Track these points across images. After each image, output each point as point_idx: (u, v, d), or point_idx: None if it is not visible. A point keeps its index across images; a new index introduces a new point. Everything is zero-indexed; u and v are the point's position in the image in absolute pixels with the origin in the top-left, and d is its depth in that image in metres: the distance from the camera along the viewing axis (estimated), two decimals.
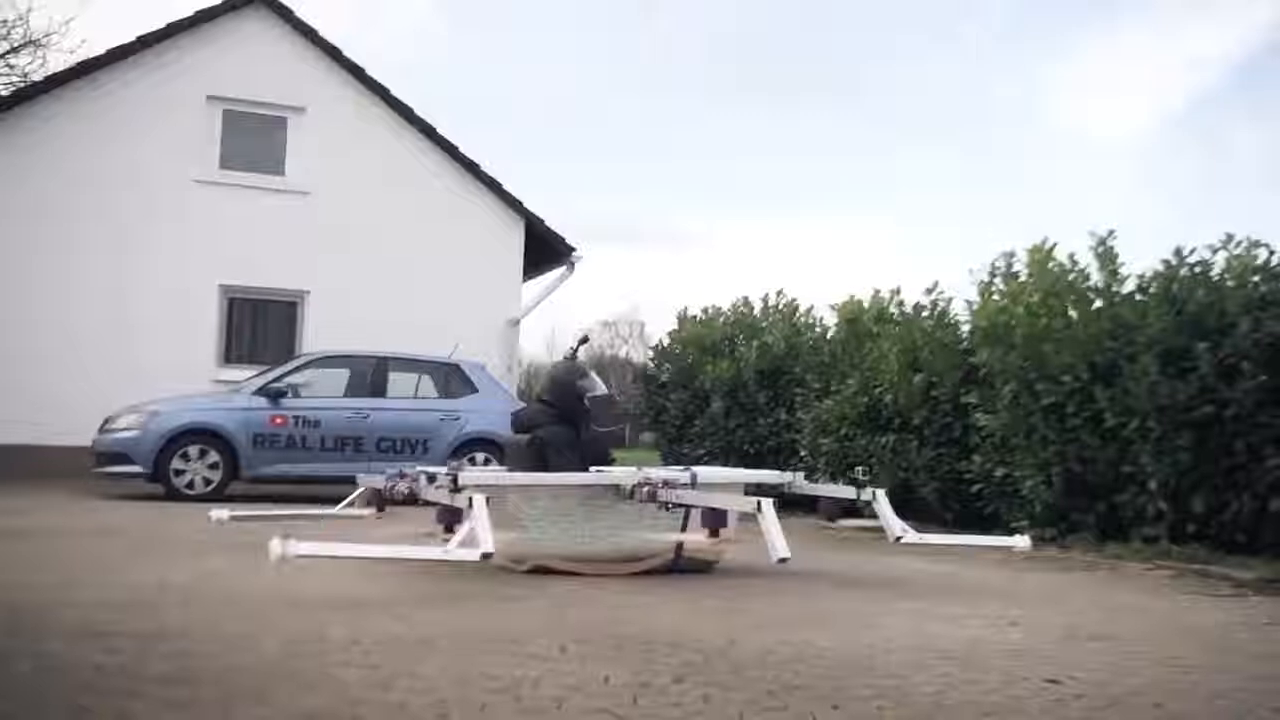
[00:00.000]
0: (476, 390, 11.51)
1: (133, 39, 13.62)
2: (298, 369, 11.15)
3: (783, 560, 4.68)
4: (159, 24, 13.74)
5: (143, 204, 13.20)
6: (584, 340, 6.39)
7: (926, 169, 58.38)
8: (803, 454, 10.98)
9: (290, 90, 14.17)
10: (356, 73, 14.45)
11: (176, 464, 10.24)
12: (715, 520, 5.53)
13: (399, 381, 11.34)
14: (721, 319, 13.66)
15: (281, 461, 10.53)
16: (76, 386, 12.17)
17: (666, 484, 5.48)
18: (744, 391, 12.30)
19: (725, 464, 12.58)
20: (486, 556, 4.56)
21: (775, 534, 4.77)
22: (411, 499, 5.68)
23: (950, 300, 10.23)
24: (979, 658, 3.66)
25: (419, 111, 14.65)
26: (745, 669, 3.35)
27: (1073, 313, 8.42)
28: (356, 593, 4.81)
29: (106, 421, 10.57)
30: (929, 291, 10.27)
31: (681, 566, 5.79)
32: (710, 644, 3.74)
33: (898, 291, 11.13)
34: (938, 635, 4.11)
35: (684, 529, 5.75)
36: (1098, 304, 8.37)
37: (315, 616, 4.09)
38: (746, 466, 12.18)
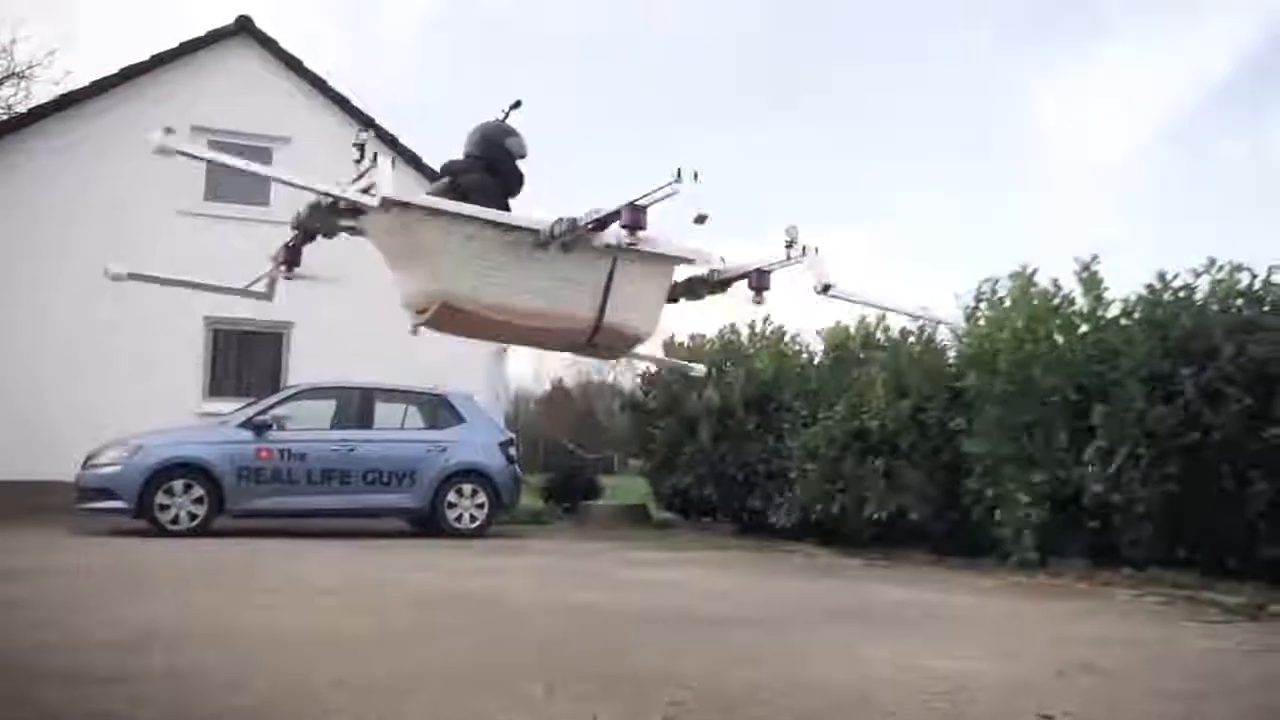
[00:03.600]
0: (464, 421, 11.46)
1: (116, 71, 13.62)
2: (283, 401, 11.09)
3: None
4: (143, 55, 13.77)
5: (127, 236, 13.13)
6: (516, 104, 5.74)
7: (920, 187, 58.47)
8: (793, 479, 10.96)
9: (275, 121, 14.18)
10: (341, 103, 14.49)
11: (161, 499, 10.10)
12: None
13: (385, 413, 11.29)
14: (709, 345, 13.66)
15: (267, 495, 10.45)
16: (61, 421, 12.06)
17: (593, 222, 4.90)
18: (732, 418, 12.28)
19: (712, 492, 12.56)
20: (385, 203, 4.59)
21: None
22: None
23: (937, 324, 10.26)
24: (971, 691, 3.64)
25: (404, 141, 14.66)
26: (736, 709, 3.32)
27: (1058, 337, 8.46)
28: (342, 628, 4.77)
29: (90, 457, 10.46)
30: (915, 318, 10.26)
31: (601, 345, 5.51)
32: (705, 685, 3.71)
33: (883, 317, 11.16)
34: (929, 668, 4.09)
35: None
36: (1083, 329, 8.42)
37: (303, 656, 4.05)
38: (737, 495, 12.19)
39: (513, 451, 11.71)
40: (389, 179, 4.71)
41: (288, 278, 5.93)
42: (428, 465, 11.03)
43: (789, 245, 5.43)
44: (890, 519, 9.76)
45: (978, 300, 9.33)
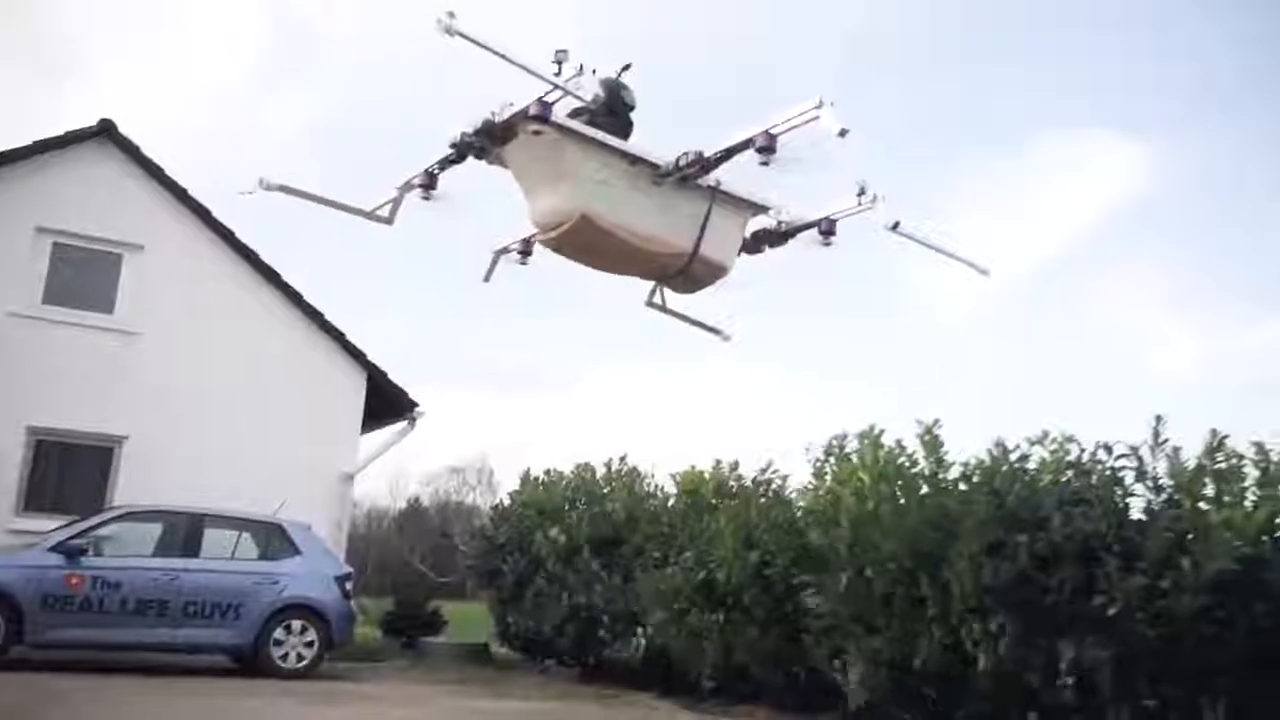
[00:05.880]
0: (300, 552, 10.88)
1: None
2: (104, 523, 10.38)
3: None
4: None
5: None
6: (628, 66, 6.37)
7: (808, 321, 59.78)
8: (641, 625, 10.73)
9: (129, 227, 13.67)
10: (202, 214, 14.08)
11: None
12: None
13: (215, 540, 10.63)
14: (564, 482, 13.48)
15: (74, 626, 9.63)
16: None
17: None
18: (580, 559, 12.03)
19: (558, 634, 12.19)
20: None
21: None
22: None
23: (787, 478, 10.36)
24: None
25: (264, 257, 14.32)
26: None
27: (901, 499, 8.59)
28: None
29: None
30: (764, 470, 10.36)
31: (692, 274, 6.40)
32: None
33: (736, 466, 11.21)
34: None
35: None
36: (924, 490, 8.58)
37: None
38: (583, 638, 11.84)
39: (349, 586, 11.17)
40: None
41: (425, 199, 6.51)
42: (256, 598, 10.38)
43: (860, 194, 6.37)
44: (733, 672, 9.62)
45: (827, 455, 9.45)
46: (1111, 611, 6.89)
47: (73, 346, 13.03)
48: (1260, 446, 7.17)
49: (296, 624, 10.52)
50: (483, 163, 6.26)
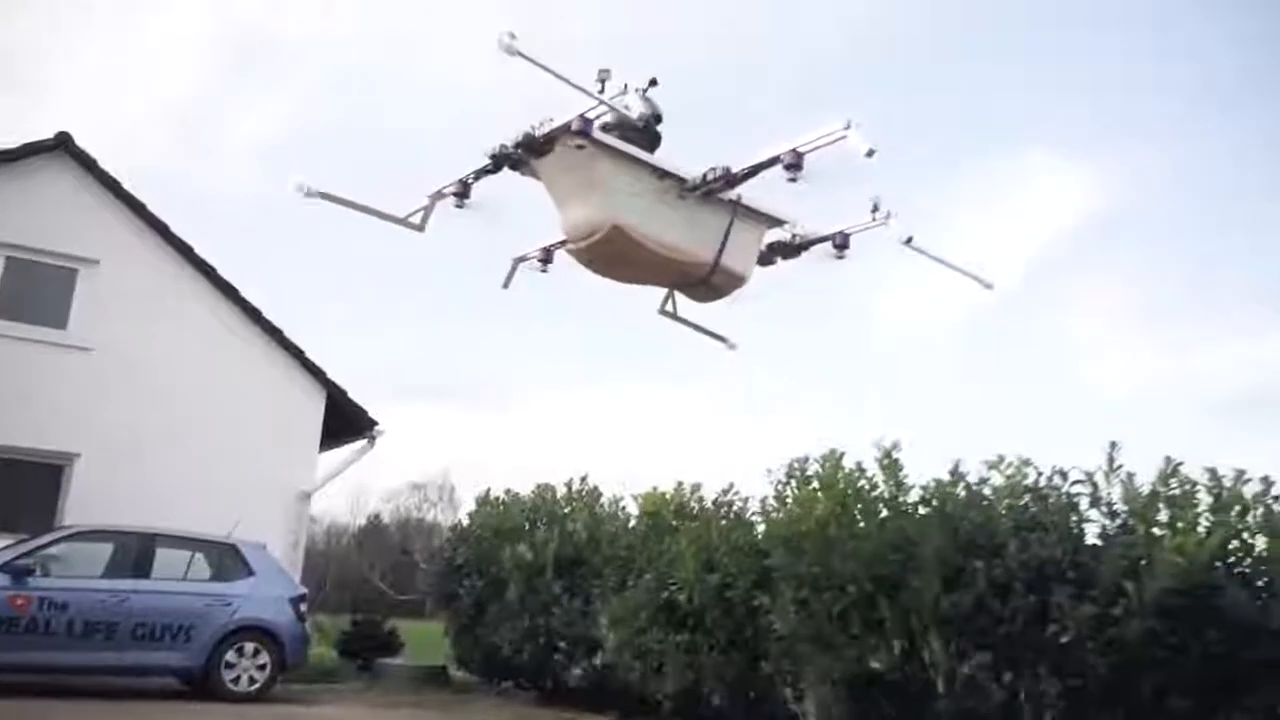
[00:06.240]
0: (253, 573, 10.70)
1: None
2: (53, 543, 10.13)
3: None
4: None
5: None
6: (654, 82, 6.47)
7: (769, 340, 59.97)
8: (601, 647, 10.65)
9: (86, 242, 13.46)
10: (160, 229, 13.91)
11: None
12: None
13: (168, 561, 10.41)
14: (523, 504, 13.37)
15: (19, 649, 9.37)
16: None
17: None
18: (541, 580, 11.94)
19: (516, 656, 12.07)
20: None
21: None
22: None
23: (747, 500, 10.34)
24: None
25: (223, 272, 14.17)
26: None
27: (861, 522, 8.61)
28: None
29: None
30: (725, 492, 10.35)
31: (713, 283, 6.62)
32: None
33: (698, 487, 11.17)
34: None
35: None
36: (884, 513, 8.59)
37: None
38: (542, 660, 11.74)
39: (304, 608, 11.01)
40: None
41: (458, 207, 6.70)
42: (208, 620, 10.19)
43: (874, 210, 6.59)
44: (693, 694, 9.57)
45: (788, 478, 9.44)
46: (1064, 640, 6.92)
47: (24, 362, 12.78)
48: (1213, 472, 7.26)
49: (249, 646, 10.34)
50: (516, 173, 6.52)
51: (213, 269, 14.10)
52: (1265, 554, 6.96)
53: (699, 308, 7.18)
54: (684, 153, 6.47)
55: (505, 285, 7.30)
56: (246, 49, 53.56)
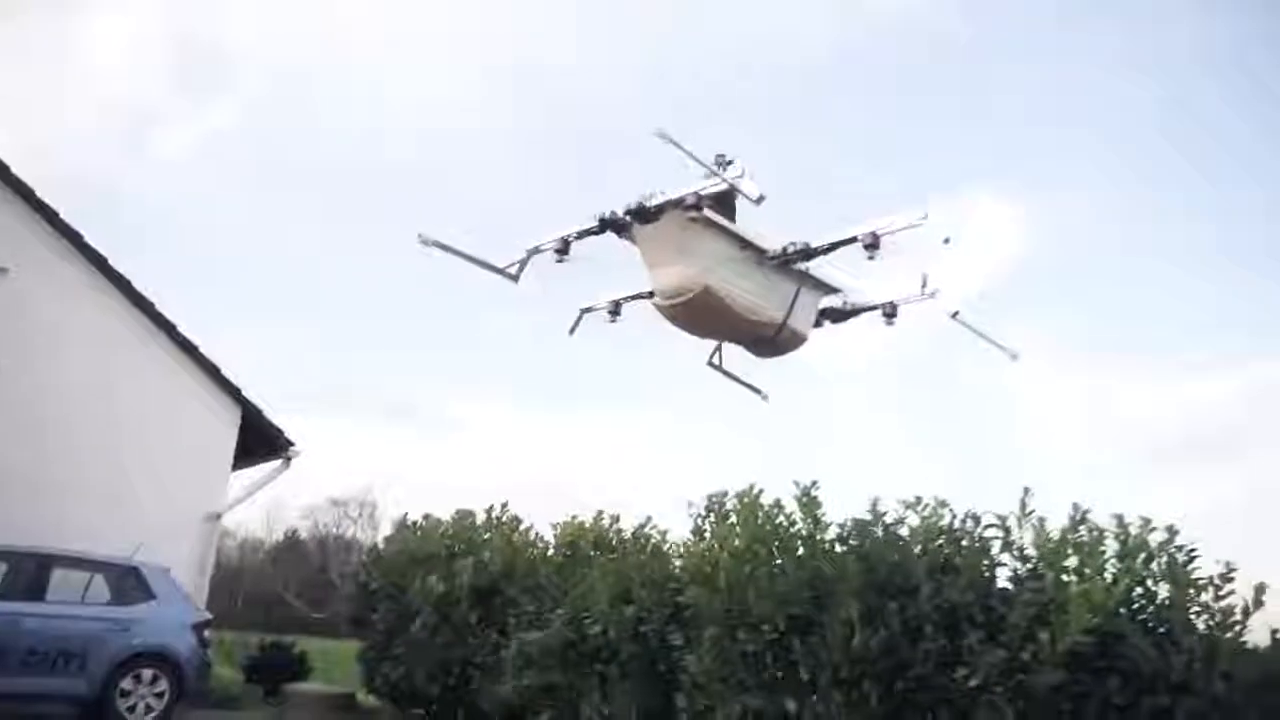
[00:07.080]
0: (154, 597, 10.34)
1: None
2: None
3: None
4: None
5: None
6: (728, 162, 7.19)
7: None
8: (516, 681, 10.45)
9: None
10: (73, 238, 13.46)
11: None
12: None
13: (64, 583, 10.02)
14: (441, 530, 13.14)
15: None
16: None
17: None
18: (455, 609, 11.71)
19: (428, 684, 11.82)
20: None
21: None
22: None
23: (666, 533, 10.28)
24: None
25: (137, 285, 13.76)
26: None
27: (778, 559, 8.57)
28: None
29: None
30: (644, 525, 10.27)
31: (779, 341, 7.61)
32: None
33: (617, 519, 11.10)
34: None
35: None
36: (801, 551, 8.57)
37: None
38: (454, 690, 11.50)
39: (206, 634, 10.66)
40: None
41: (559, 261, 7.54)
42: (103, 646, 9.80)
43: (923, 286, 7.57)
44: None
45: (707, 512, 9.39)
46: (973, 684, 6.94)
47: None
48: (1120, 519, 7.36)
49: (147, 673, 9.98)
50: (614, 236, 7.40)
51: (127, 281, 13.71)
52: (1168, 602, 7.06)
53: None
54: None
55: (571, 332, 8.22)
56: (186, 55, 52.54)
